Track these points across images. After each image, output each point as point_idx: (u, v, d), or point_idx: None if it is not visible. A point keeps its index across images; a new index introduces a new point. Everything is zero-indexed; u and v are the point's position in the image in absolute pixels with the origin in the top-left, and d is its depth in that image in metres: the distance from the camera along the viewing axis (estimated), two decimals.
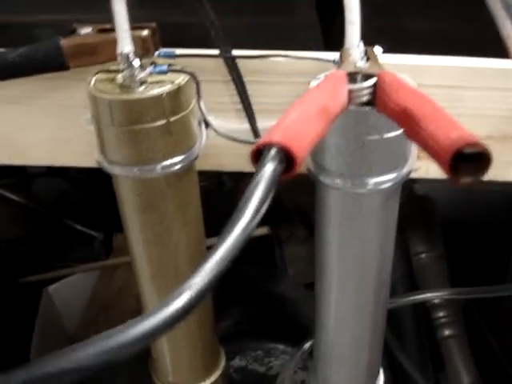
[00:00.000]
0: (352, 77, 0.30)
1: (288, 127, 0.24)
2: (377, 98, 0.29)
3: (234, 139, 0.36)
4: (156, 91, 0.34)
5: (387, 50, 0.41)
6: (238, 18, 0.80)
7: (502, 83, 0.38)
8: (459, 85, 0.38)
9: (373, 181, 0.35)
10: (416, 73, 0.38)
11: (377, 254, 0.39)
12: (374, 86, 0.30)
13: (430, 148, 0.25)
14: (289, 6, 0.75)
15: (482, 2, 0.35)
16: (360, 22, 0.34)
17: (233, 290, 0.59)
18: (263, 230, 0.69)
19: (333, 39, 0.65)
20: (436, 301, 0.67)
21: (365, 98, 0.30)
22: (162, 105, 0.34)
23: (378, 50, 0.35)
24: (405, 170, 0.36)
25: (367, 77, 0.30)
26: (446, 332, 0.67)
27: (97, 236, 0.80)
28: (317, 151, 0.35)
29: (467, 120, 0.40)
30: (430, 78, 0.38)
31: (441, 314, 0.67)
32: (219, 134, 0.36)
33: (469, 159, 0.23)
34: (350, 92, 0.29)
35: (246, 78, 0.37)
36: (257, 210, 0.22)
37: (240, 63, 0.37)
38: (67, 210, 0.81)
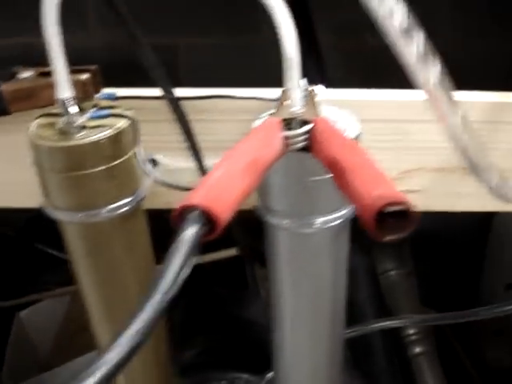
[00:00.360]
0: (288, 122, 0.30)
1: (211, 187, 0.24)
2: (312, 145, 0.29)
3: (171, 185, 0.36)
4: (95, 137, 0.33)
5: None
6: (206, 38, 0.79)
7: None
8: (407, 118, 0.38)
9: (320, 220, 0.35)
10: (363, 108, 0.38)
11: (329, 289, 0.39)
12: (310, 131, 0.29)
13: (355, 203, 0.24)
14: (255, 25, 0.75)
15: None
16: (300, 61, 0.34)
17: (198, 318, 0.59)
18: (232, 252, 0.69)
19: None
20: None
21: (301, 144, 0.29)
22: (102, 150, 0.34)
23: (319, 88, 0.35)
24: (352, 207, 0.36)
25: (303, 123, 0.30)
26: (417, 349, 0.67)
27: (68, 259, 0.79)
28: (263, 192, 0.35)
29: (416, 153, 0.40)
30: (377, 113, 0.38)
31: (411, 331, 0.67)
32: (158, 182, 0.36)
33: (395, 215, 0.23)
34: (286, 138, 0.29)
35: (191, 117, 0.37)
36: (175, 278, 0.22)
37: (185, 102, 0.37)
38: (38, 234, 0.81)
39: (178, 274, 0.22)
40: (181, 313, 0.62)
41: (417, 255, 0.72)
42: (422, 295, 0.75)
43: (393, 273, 0.68)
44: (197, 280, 0.72)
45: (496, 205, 0.39)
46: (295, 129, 0.29)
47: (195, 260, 0.67)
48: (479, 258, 0.81)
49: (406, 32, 0.25)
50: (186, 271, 0.22)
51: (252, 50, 0.78)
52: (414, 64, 0.25)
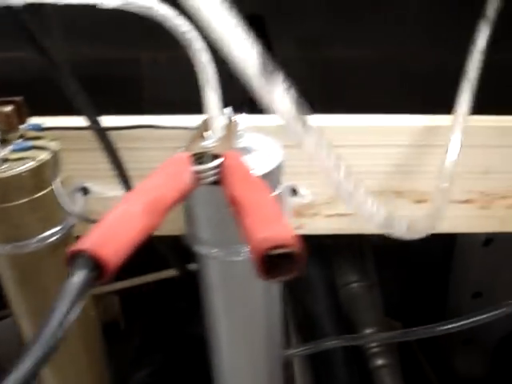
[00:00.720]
0: (200, 156, 0.30)
1: (103, 231, 0.24)
2: (221, 179, 0.29)
3: (89, 220, 0.36)
4: (17, 169, 0.33)
5: None
6: (160, 51, 0.79)
7: (381, 140, 0.38)
8: (335, 143, 0.38)
9: (247, 248, 0.35)
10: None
11: (263, 314, 0.39)
12: (220, 166, 0.29)
13: (247, 242, 0.24)
14: None
15: None
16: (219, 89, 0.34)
17: (157, 336, 0.59)
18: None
19: None
20: (368, 330, 0.67)
21: (212, 179, 0.30)
22: (25, 183, 0.34)
23: (242, 117, 0.35)
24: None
25: (214, 157, 0.30)
26: (379, 361, 0.66)
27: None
28: (189, 222, 0.35)
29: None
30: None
31: (373, 343, 0.67)
32: (76, 216, 0.36)
33: (283, 256, 0.23)
34: (196, 173, 0.29)
35: (120, 145, 0.37)
36: (60, 324, 0.22)
37: (113, 131, 0.37)
38: None
39: (63, 320, 0.22)
40: (138, 332, 0.62)
41: (385, 266, 0.72)
42: (389, 305, 0.75)
43: (355, 285, 0.68)
44: (159, 296, 0.72)
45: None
46: (206, 163, 0.29)
47: (158, 275, 0.66)
48: (446, 268, 0.81)
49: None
50: (72, 317, 0.23)
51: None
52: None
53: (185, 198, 0.29)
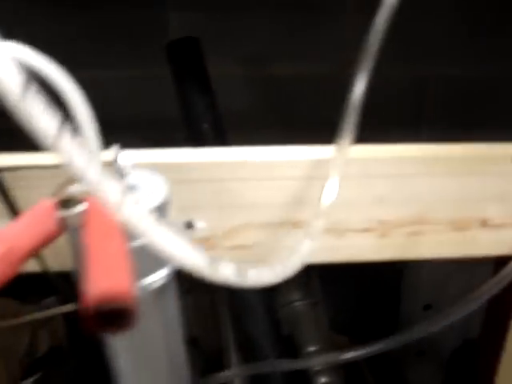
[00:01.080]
0: (67, 201, 0.30)
1: None
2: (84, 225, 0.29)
3: None
4: None
5: None
6: (110, 71, 0.80)
7: (268, 173, 0.39)
8: (228, 177, 0.39)
9: (140, 283, 0.35)
10: (182, 169, 0.39)
11: (164, 347, 0.39)
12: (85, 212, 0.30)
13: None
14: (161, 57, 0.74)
15: None
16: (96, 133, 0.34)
17: (91, 362, 0.59)
18: None
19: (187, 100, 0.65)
20: (311, 348, 0.67)
21: (77, 224, 0.30)
22: None
23: (127, 154, 0.35)
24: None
25: (80, 202, 0.30)
26: (323, 379, 0.66)
27: None
28: (75, 261, 0.35)
29: (242, 210, 0.40)
30: (197, 174, 0.39)
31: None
32: None
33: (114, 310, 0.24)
34: (61, 219, 0.29)
35: (14, 184, 0.37)
36: None
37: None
38: None
39: None
40: (78, 357, 0.62)
41: (334, 282, 0.73)
42: (340, 321, 0.75)
43: (298, 303, 0.68)
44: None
45: (323, 255, 0.40)
46: (71, 208, 0.30)
47: None
48: (397, 282, 0.82)
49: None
50: None
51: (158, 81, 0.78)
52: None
53: (48, 244, 0.29)
